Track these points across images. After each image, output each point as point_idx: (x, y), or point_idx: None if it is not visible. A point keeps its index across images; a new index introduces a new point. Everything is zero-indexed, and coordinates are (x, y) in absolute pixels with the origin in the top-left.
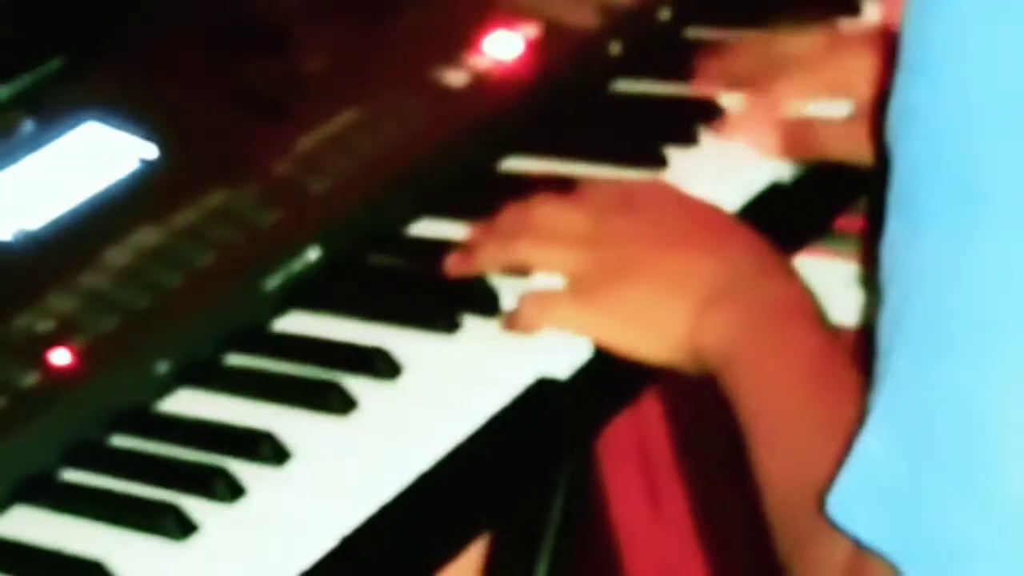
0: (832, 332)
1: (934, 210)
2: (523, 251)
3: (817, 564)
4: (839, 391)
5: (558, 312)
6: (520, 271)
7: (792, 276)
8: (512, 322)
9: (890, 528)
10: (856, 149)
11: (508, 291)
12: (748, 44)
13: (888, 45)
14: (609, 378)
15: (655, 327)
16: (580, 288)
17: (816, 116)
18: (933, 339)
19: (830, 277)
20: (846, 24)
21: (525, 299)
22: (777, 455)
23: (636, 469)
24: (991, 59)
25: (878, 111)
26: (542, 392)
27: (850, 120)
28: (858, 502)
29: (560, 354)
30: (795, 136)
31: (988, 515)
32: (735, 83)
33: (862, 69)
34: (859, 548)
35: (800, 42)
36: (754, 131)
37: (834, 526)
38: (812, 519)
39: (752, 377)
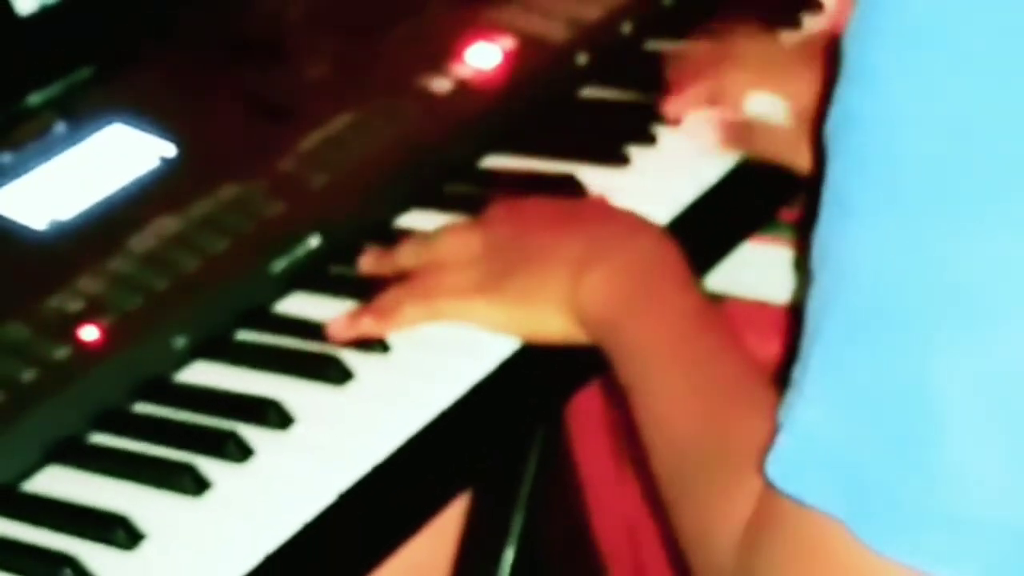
0: (701, 289)
1: (863, 205)
2: (439, 303)
3: (713, 525)
4: (717, 351)
5: (473, 310)
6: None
7: (662, 238)
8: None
9: (836, 491)
10: (788, 150)
11: None
12: (700, 50)
13: (832, 55)
14: (571, 355)
15: (547, 302)
16: (484, 288)
17: (753, 117)
18: (863, 317)
19: (772, 261)
20: (787, 35)
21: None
22: (660, 417)
23: (602, 432)
24: (916, 76)
25: (819, 114)
26: (519, 363)
27: (786, 122)
28: (801, 468)
29: None
30: (733, 133)
31: (932, 476)
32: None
33: (798, 72)
34: (769, 509)
35: (744, 47)
36: (699, 130)
37: (733, 488)
38: (704, 482)
39: (629, 336)
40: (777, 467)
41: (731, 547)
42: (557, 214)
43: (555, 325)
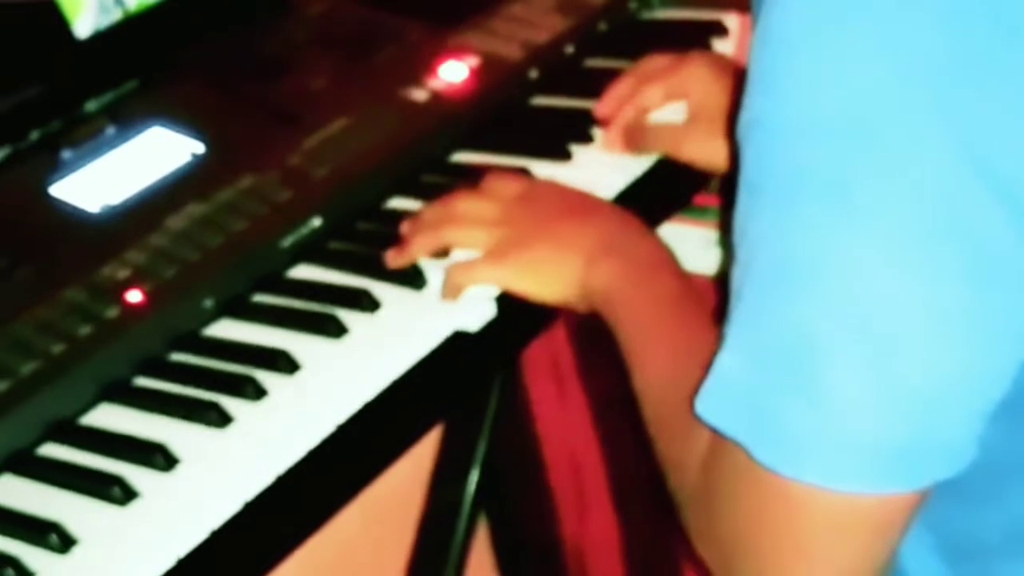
0: (685, 278)
1: (769, 193)
2: (449, 235)
3: (684, 453)
4: (691, 322)
5: (480, 273)
6: (443, 252)
7: (653, 236)
8: (445, 288)
9: (741, 420)
10: (674, 146)
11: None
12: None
13: (739, 75)
14: (529, 314)
15: (554, 277)
16: (494, 255)
17: (652, 120)
18: (769, 281)
19: (690, 239)
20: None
21: (452, 268)
22: (648, 372)
23: (549, 377)
24: (803, 85)
25: (731, 119)
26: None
27: (684, 123)
28: (717, 402)
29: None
30: (632, 136)
31: (816, 406)
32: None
33: (699, 79)
34: (715, 438)
35: (655, 62)
36: (610, 136)
37: (696, 423)
38: (678, 419)
39: (627, 313)
40: (700, 403)
41: (696, 470)
42: (571, 205)
43: (554, 294)
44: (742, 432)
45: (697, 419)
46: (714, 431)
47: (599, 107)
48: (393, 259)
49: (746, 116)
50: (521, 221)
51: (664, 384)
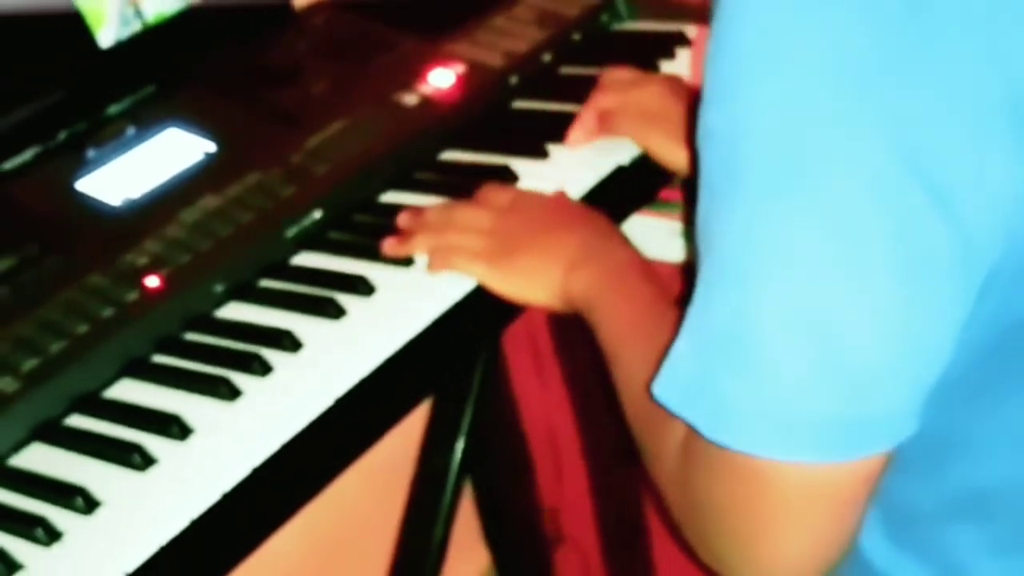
0: (656, 281)
1: (720, 193)
2: (448, 240)
3: (661, 443)
4: (663, 323)
5: (473, 271)
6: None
7: (626, 243)
8: (435, 265)
9: (691, 401)
10: (652, 137)
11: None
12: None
13: (694, 94)
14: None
15: (539, 283)
16: (487, 259)
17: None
18: (718, 273)
19: (655, 230)
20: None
21: (453, 256)
22: (626, 371)
23: (528, 354)
24: (749, 95)
25: (691, 129)
26: (469, 303)
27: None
28: (670, 385)
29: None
30: (606, 120)
31: (758, 384)
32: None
33: (654, 92)
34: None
35: (619, 74)
36: (581, 128)
37: (671, 415)
38: (654, 413)
39: (605, 317)
40: (657, 386)
41: (673, 457)
42: (553, 216)
43: (539, 297)
44: (691, 412)
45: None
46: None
47: (570, 139)
48: (392, 248)
49: (702, 125)
50: (510, 231)
51: (640, 381)
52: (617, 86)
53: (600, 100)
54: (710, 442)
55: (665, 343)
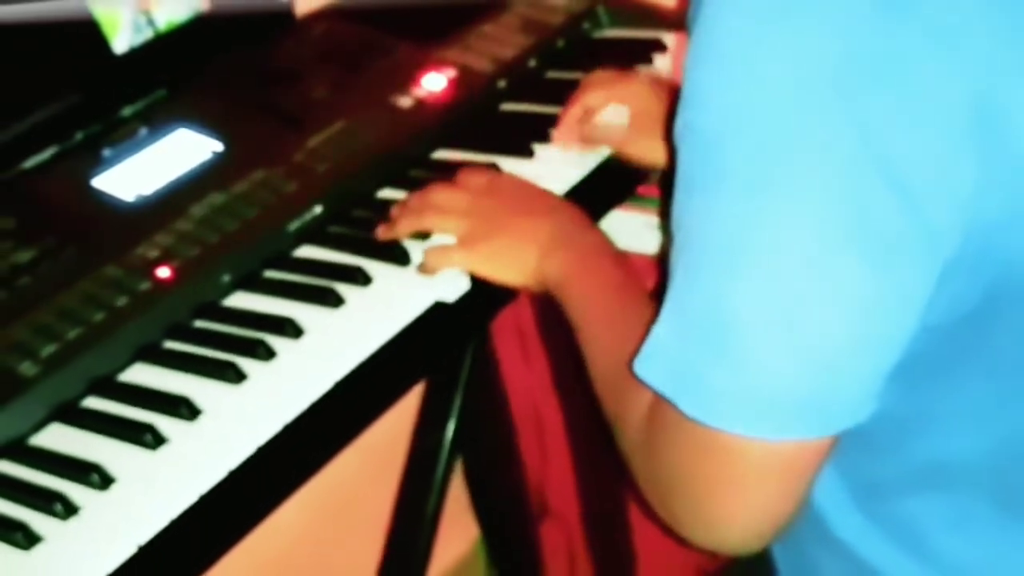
0: (625, 264)
1: (698, 187)
2: (428, 222)
3: (628, 408)
4: (631, 303)
5: (452, 258)
6: (425, 235)
7: (597, 230)
8: (422, 266)
9: (671, 379)
10: (622, 144)
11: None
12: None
13: (674, 90)
14: (498, 288)
15: (515, 264)
16: (465, 243)
17: (600, 120)
18: (696, 262)
19: (632, 223)
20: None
21: (428, 251)
22: (596, 345)
23: (515, 340)
24: (727, 95)
25: (668, 126)
26: (461, 297)
27: (628, 125)
28: (651, 363)
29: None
30: (585, 133)
31: (734, 365)
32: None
33: (638, 91)
34: (656, 397)
35: (601, 75)
36: (563, 135)
37: (637, 384)
38: (621, 380)
39: (577, 297)
40: (638, 364)
41: (639, 422)
42: (528, 200)
43: (515, 278)
44: (671, 389)
45: (638, 380)
46: (654, 391)
47: (556, 135)
48: (382, 233)
49: (680, 123)
50: (486, 213)
51: (609, 353)
52: (599, 85)
53: (584, 98)
54: (677, 414)
55: (636, 323)
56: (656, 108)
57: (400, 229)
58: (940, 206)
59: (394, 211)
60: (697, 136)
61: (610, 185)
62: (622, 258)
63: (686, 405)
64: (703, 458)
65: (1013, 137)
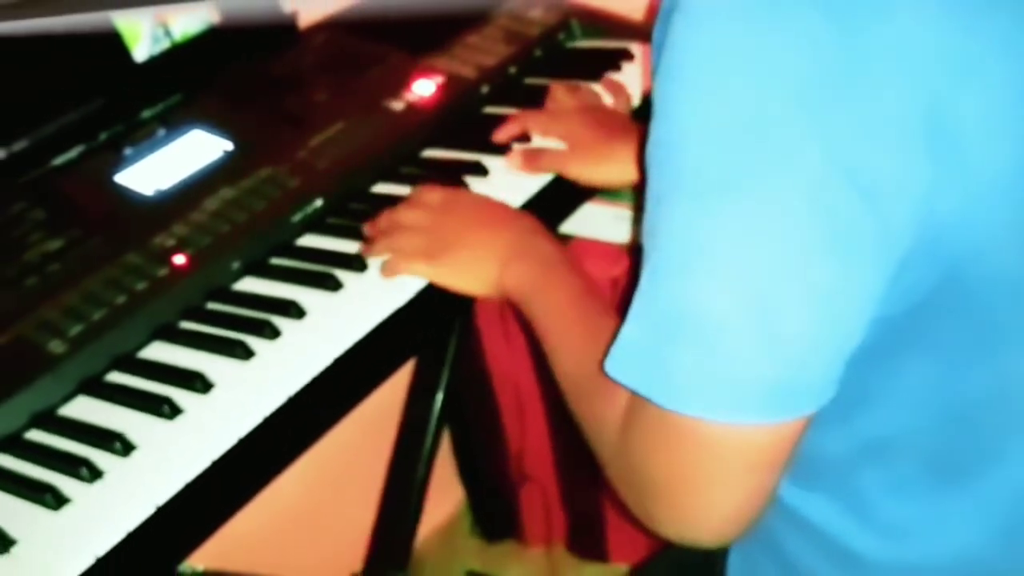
0: (582, 273)
1: (670, 195)
2: (395, 242)
3: (603, 411)
4: (591, 310)
5: (415, 268)
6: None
7: (552, 239)
8: (385, 271)
9: (643, 374)
10: (561, 166)
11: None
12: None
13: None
14: None
15: (475, 276)
16: (427, 256)
17: (545, 145)
18: (666, 264)
19: (603, 215)
20: (594, 88)
21: (393, 258)
22: (563, 352)
23: (497, 320)
24: (697, 107)
25: (642, 142)
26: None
27: (566, 149)
28: (622, 361)
29: None
30: (528, 157)
31: (705, 355)
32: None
33: (575, 118)
34: (632, 398)
35: (558, 93)
36: (511, 157)
37: (611, 387)
38: (592, 385)
39: (540, 307)
40: (608, 363)
41: (615, 425)
42: (485, 214)
43: (477, 288)
44: (642, 382)
45: (610, 382)
46: (629, 392)
47: (497, 135)
48: (364, 252)
49: (652, 140)
50: (445, 228)
51: (577, 359)
52: (535, 123)
53: (527, 124)
54: (652, 409)
55: (601, 329)
56: (589, 136)
57: (375, 251)
58: (897, 206)
59: (369, 229)
60: (665, 149)
61: (569, 193)
62: (578, 265)
63: (657, 395)
64: (676, 450)
65: (964, 142)
